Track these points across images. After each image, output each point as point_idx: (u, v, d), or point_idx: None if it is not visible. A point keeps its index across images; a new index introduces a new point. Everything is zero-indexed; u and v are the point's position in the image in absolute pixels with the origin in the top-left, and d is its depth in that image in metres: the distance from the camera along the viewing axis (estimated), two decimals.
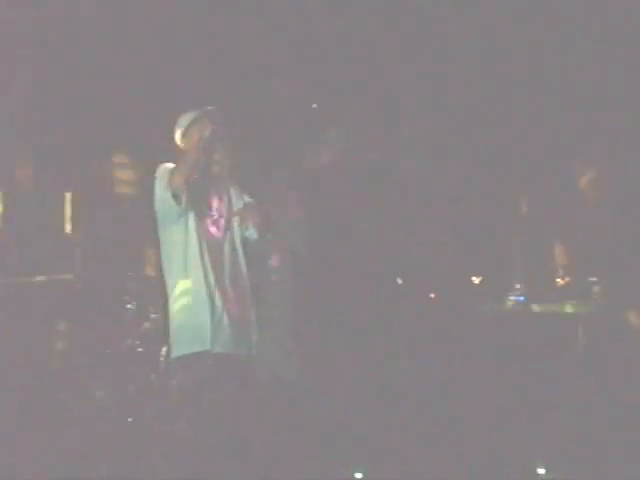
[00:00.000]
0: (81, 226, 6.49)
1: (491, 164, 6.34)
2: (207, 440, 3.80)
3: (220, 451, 3.78)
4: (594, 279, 5.55)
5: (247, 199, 4.22)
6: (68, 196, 6.42)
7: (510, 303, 5.76)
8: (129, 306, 6.01)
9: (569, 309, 5.50)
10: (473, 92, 6.33)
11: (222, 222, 4.09)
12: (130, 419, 5.55)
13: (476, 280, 6.01)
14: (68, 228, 6.45)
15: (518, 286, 5.84)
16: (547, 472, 4.92)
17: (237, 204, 4.19)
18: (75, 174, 6.55)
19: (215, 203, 4.12)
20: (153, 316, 5.86)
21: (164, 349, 5.16)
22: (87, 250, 6.39)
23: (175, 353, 3.96)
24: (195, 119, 4.15)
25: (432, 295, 5.99)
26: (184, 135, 4.19)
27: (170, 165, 4.02)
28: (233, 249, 4.08)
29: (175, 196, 3.92)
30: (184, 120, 4.21)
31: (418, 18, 6.26)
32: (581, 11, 5.99)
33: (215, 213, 4.09)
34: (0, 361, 5.59)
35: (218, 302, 3.92)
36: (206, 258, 3.96)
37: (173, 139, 4.26)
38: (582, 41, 6.02)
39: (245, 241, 4.16)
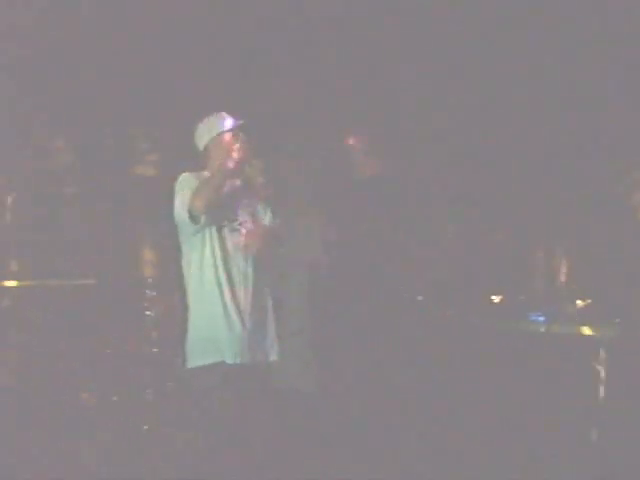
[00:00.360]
0: (102, 232, 6.52)
1: (516, 181, 6.31)
2: (220, 450, 3.80)
3: (233, 461, 3.77)
4: (616, 301, 5.53)
5: (270, 213, 4.20)
6: (91, 203, 6.46)
7: (529, 323, 5.72)
8: (148, 313, 6.03)
9: (589, 331, 5.46)
10: (497, 107, 6.29)
11: (244, 235, 4.08)
12: (146, 426, 5.55)
13: (496, 299, 5.99)
14: (89, 234, 6.49)
15: (538, 306, 5.81)
16: None
17: (263, 218, 4.18)
18: (97, 181, 6.56)
19: (237, 216, 4.09)
20: (171, 323, 5.87)
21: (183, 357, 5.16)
22: (108, 256, 6.44)
23: (191, 364, 3.96)
24: (223, 132, 4.07)
25: (449, 313, 5.98)
26: (209, 146, 4.11)
27: (191, 179, 3.98)
28: (253, 261, 4.06)
29: (193, 217, 3.89)
30: (209, 128, 4.11)
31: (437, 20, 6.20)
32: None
33: (236, 226, 4.08)
34: (18, 363, 5.61)
35: (234, 314, 3.91)
36: (222, 270, 3.93)
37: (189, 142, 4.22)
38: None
39: (266, 254, 4.15)
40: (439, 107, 6.45)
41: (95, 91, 6.35)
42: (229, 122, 4.09)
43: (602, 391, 5.29)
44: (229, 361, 3.85)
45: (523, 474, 4.86)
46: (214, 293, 3.92)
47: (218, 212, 3.97)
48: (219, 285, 3.91)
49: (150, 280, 6.08)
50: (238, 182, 4.10)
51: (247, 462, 3.79)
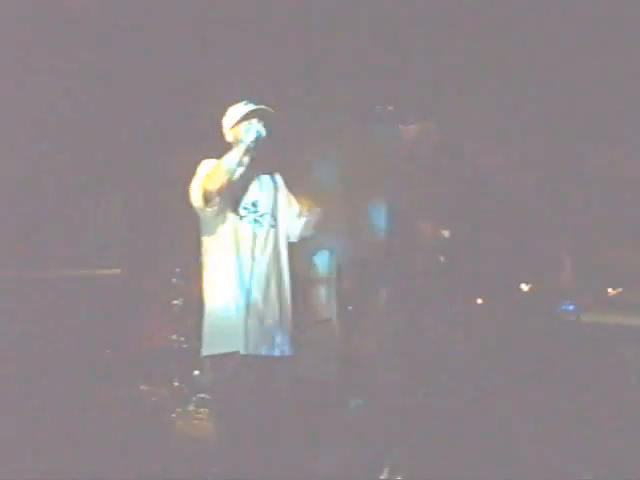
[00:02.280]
0: (129, 221, 6.55)
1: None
2: (235, 438, 3.78)
3: (248, 449, 3.75)
4: None
5: (292, 199, 4.18)
6: (116, 192, 6.49)
7: (561, 312, 5.66)
8: (175, 302, 6.04)
9: (619, 320, 5.39)
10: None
11: (265, 220, 4.04)
12: (174, 415, 5.56)
13: (525, 287, 5.92)
14: (116, 224, 6.51)
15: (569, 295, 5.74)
16: None
17: (282, 202, 4.15)
18: (121, 170, 6.57)
19: (256, 201, 4.07)
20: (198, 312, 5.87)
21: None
22: (135, 245, 6.46)
23: (206, 352, 3.94)
24: (243, 117, 4.07)
25: (480, 301, 5.93)
26: (231, 131, 4.13)
27: (211, 164, 3.98)
28: (274, 248, 4.03)
29: (207, 200, 3.89)
30: (232, 115, 4.13)
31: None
32: None
33: (256, 210, 4.03)
34: (43, 351, 5.65)
35: (252, 304, 3.87)
36: (240, 261, 3.91)
37: (220, 132, 4.22)
38: None
39: (291, 240, 4.13)
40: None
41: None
42: (248, 108, 4.08)
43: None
44: (243, 352, 3.83)
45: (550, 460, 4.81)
46: (230, 283, 3.90)
47: (232, 196, 3.94)
48: (236, 276, 3.89)
49: (177, 269, 6.07)
50: (256, 169, 4.07)
51: (260, 451, 3.77)
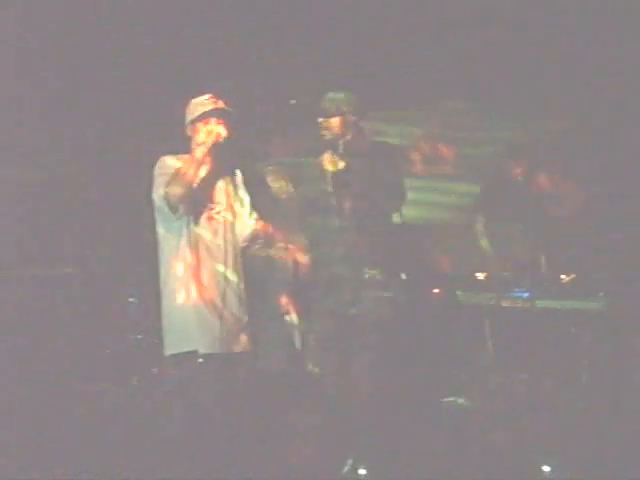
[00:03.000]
0: (83, 220, 6.48)
1: None
2: (199, 437, 3.77)
3: (213, 448, 3.74)
4: (599, 276, 5.54)
5: (247, 199, 4.16)
6: (73, 190, 6.42)
7: (514, 299, 5.72)
8: (131, 300, 5.99)
9: (574, 305, 5.47)
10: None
11: (221, 216, 4.02)
12: (131, 415, 5.52)
13: (480, 276, 5.97)
14: (69, 222, 6.44)
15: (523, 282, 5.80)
16: (551, 470, 4.87)
17: (238, 204, 4.13)
18: (79, 168, 6.50)
19: (214, 203, 4.04)
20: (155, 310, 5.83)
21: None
22: (89, 244, 6.39)
23: (167, 351, 3.92)
24: (203, 114, 4.02)
25: (437, 290, 5.97)
26: (190, 126, 4.08)
27: (170, 162, 3.93)
28: (232, 245, 4.01)
29: (172, 207, 3.87)
30: (193, 110, 4.07)
31: None
32: None
33: (212, 207, 4.01)
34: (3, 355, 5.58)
35: (207, 304, 3.87)
36: (195, 259, 3.89)
37: (174, 125, 4.19)
38: None
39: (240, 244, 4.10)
40: None
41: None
42: (209, 105, 4.02)
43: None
44: (202, 350, 3.81)
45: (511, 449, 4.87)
46: (187, 280, 3.88)
47: (196, 200, 3.92)
48: (192, 274, 3.87)
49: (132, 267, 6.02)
50: (215, 169, 4.04)
51: (223, 449, 3.76)
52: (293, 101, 5.22)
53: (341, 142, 4.44)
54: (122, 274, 6.08)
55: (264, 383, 4.19)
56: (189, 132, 4.08)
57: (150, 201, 3.99)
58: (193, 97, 4.13)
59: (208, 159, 3.92)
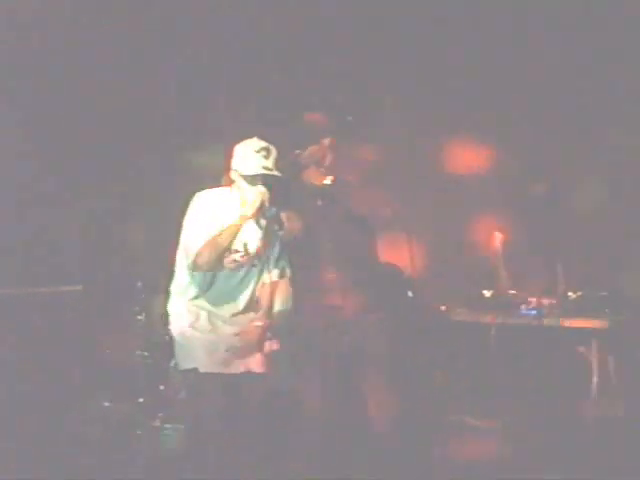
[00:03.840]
0: (91, 237, 6.50)
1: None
2: (202, 454, 3.78)
3: (215, 465, 3.75)
4: (605, 293, 5.53)
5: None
6: (79, 207, 6.43)
7: (522, 317, 5.71)
8: (139, 317, 5.99)
9: (582, 324, 5.45)
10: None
11: (244, 262, 4.02)
12: (139, 431, 5.51)
13: (487, 294, 5.96)
14: (78, 239, 6.46)
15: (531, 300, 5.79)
16: None
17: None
18: (86, 185, 6.52)
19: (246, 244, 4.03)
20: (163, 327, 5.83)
21: (173, 361, 5.14)
22: (96, 261, 6.41)
23: (180, 367, 3.95)
24: (252, 177, 3.95)
25: (443, 307, 5.96)
26: (235, 173, 4.01)
27: (208, 203, 3.92)
28: (245, 277, 4.02)
29: (196, 269, 3.92)
30: (244, 158, 3.99)
31: None
32: None
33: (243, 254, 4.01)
34: (7, 372, 5.60)
35: (217, 325, 3.90)
36: (208, 283, 3.95)
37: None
38: None
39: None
40: None
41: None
42: (262, 162, 3.95)
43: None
44: (202, 370, 3.83)
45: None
46: (195, 302, 3.92)
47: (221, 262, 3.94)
48: (202, 296, 3.91)
49: (139, 284, 6.02)
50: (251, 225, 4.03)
51: (227, 466, 3.76)
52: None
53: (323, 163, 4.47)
54: (131, 290, 6.08)
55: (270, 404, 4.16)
56: (233, 177, 4.02)
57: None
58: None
59: (236, 233, 3.90)
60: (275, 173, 3.92)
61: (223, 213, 3.90)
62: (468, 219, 6.44)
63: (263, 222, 4.04)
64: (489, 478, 4.72)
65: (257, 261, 4.03)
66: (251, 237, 4.00)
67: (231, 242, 3.86)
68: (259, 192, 3.87)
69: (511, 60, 6.18)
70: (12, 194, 6.17)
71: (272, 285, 4.06)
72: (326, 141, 4.49)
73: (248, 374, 3.94)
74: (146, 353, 5.89)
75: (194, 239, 3.87)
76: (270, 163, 3.91)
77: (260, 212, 3.89)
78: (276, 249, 4.12)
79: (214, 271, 3.92)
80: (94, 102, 6.39)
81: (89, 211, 6.51)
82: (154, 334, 5.84)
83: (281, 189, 3.96)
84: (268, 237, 4.07)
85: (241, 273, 3.99)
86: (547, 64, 6.09)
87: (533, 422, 5.27)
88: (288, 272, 4.15)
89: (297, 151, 4.48)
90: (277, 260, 4.12)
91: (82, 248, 6.44)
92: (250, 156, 3.94)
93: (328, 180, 4.46)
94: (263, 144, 3.95)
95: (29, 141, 6.16)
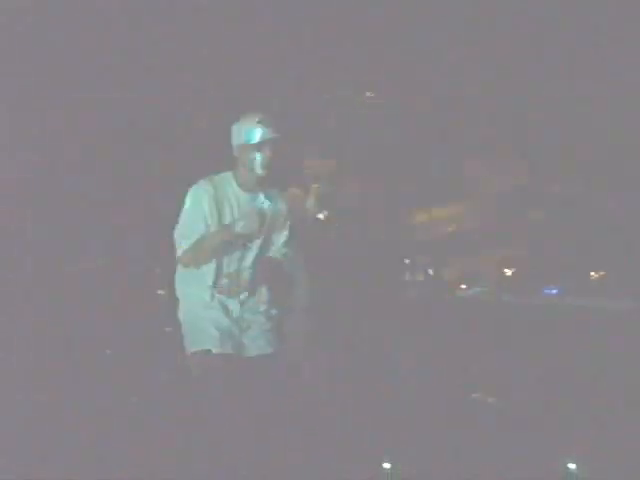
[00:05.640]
0: (114, 213, 6.54)
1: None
2: (219, 437, 3.79)
3: (231, 449, 3.76)
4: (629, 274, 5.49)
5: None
6: (98, 183, 6.48)
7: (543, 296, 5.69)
8: (160, 292, 6.03)
9: (603, 303, 5.42)
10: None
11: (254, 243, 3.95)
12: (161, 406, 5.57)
13: (508, 272, 5.95)
14: (100, 215, 6.51)
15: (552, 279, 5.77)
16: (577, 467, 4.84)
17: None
18: (105, 163, 6.56)
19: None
20: None
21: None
22: (117, 237, 6.46)
23: (187, 348, 3.95)
24: (248, 143, 3.88)
25: (463, 286, 5.95)
26: (235, 149, 3.94)
27: (204, 194, 3.85)
28: (254, 256, 3.97)
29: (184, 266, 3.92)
30: (238, 131, 3.92)
31: None
32: None
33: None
34: (31, 347, 5.67)
35: (222, 304, 3.90)
36: (220, 264, 3.89)
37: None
38: None
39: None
40: None
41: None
42: (259, 132, 3.89)
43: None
44: (215, 350, 3.84)
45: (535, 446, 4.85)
46: (204, 281, 3.91)
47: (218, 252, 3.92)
48: (210, 275, 3.90)
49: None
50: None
51: (233, 451, 3.77)
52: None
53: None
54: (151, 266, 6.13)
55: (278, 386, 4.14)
56: (236, 153, 3.98)
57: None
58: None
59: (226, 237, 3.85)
60: (275, 135, 3.89)
61: (219, 203, 3.88)
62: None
63: (265, 204, 4.01)
64: (506, 460, 4.72)
65: (263, 244, 4.00)
66: (253, 220, 3.97)
67: (217, 249, 3.84)
68: (261, 161, 3.87)
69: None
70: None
71: (274, 263, 4.04)
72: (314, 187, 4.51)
73: (260, 356, 3.94)
74: (168, 328, 5.93)
75: (183, 234, 3.88)
76: (273, 130, 3.91)
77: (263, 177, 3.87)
78: (283, 233, 4.09)
79: (205, 263, 3.92)
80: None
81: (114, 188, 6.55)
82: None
83: (279, 169, 3.95)
84: (271, 220, 4.05)
85: (249, 256, 3.97)
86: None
87: (552, 403, 5.25)
88: (290, 253, 4.11)
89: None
90: (283, 245, 4.09)
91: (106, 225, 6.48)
92: (253, 126, 3.91)
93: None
94: (261, 115, 3.95)
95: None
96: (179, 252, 3.88)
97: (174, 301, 4.47)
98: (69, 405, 5.37)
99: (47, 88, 6.22)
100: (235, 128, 3.96)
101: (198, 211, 3.87)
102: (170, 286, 5.70)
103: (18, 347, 5.74)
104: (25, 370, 5.59)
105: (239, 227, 3.80)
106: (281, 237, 4.06)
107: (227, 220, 3.87)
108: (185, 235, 3.86)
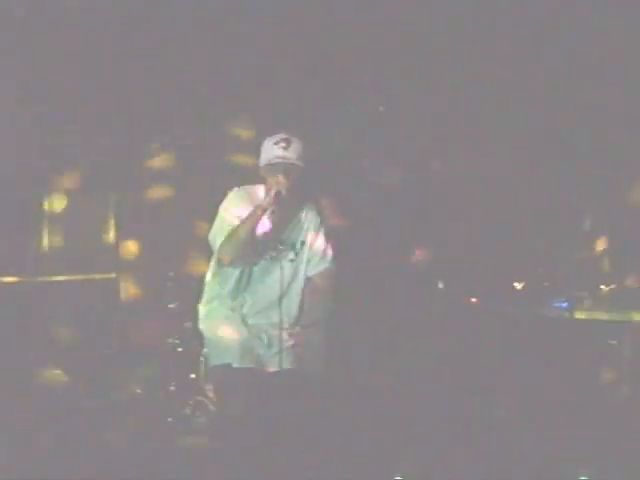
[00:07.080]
0: (123, 226, 6.55)
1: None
2: (232, 447, 3.78)
3: (245, 458, 3.75)
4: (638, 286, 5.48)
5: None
6: (111, 196, 6.49)
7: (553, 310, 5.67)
8: (171, 306, 6.03)
9: (615, 317, 5.41)
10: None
11: (284, 256, 3.99)
12: (170, 419, 5.57)
13: (518, 286, 5.93)
14: (110, 228, 6.52)
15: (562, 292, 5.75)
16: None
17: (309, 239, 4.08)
18: (118, 174, 6.57)
19: (282, 238, 4.01)
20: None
21: (204, 350, 5.16)
22: (129, 249, 6.46)
23: (210, 363, 3.97)
24: (268, 164, 3.93)
25: (473, 300, 5.93)
26: (261, 169, 4.01)
27: (239, 201, 3.92)
28: (293, 279, 4.00)
29: (222, 265, 3.95)
30: (264, 152, 3.99)
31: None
32: None
33: (277, 247, 4.00)
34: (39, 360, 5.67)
35: (244, 321, 3.91)
36: (244, 281, 3.95)
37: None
38: None
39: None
40: None
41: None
42: (279, 152, 3.92)
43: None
44: (235, 365, 3.83)
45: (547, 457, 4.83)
46: (229, 298, 3.94)
47: (248, 257, 3.95)
48: (237, 291, 3.93)
49: (171, 273, 6.06)
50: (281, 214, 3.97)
51: (251, 460, 3.76)
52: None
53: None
54: (162, 280, 6.12)
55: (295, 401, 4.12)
56: (262, 173, 4.02)
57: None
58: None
59: (256, 223, 3.87)
60: (294, 162, 3.90)
61: (250, 209, 3.91)
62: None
63: (299, 214, 4.03)
64: (520, 474, 4.70)
65: (294, 255, 4.00)
66: (285, 229, 3.99)
67: (251, 234, 3.85)
68: (275, 181, 3.87)
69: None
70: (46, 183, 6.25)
71: (308, 280, 4.02)
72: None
73: (282, 371, 3.92)
74: (177, 341, 5.93)
75: (218, 233, 3.90)
76: (289, 153, 3.90)
77: (277, 201, 3.86)
78: (318, 241, 4.09)
79: (245, 265, 3.92)
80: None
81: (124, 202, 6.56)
82: (186, 322, 5.89)
83: (311, 179, 3.95)
84: (304, 228, 4.05)
85: (277, 267, 3.96)
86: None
87: (563, 416, 5.24)
88: (325, 267, 4.09)
89: None
90: (315, 255, 4.08)
91: (117, 236, 6.49)
92: (269, 148, 3.95)
93: None
94: (283, 136, 3.95)
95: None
96: (216, 248, 3.91)
97: (188, 312, 4.51)
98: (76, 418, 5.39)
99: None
100: (261, 149, 4.02)
101: (231, 212, 3.92)
102: (182, 300, 5.80)
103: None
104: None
105: (266, 202, 3.84)
106: (315, 245, 4.05)
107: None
108: (220, 232, 3.91)
